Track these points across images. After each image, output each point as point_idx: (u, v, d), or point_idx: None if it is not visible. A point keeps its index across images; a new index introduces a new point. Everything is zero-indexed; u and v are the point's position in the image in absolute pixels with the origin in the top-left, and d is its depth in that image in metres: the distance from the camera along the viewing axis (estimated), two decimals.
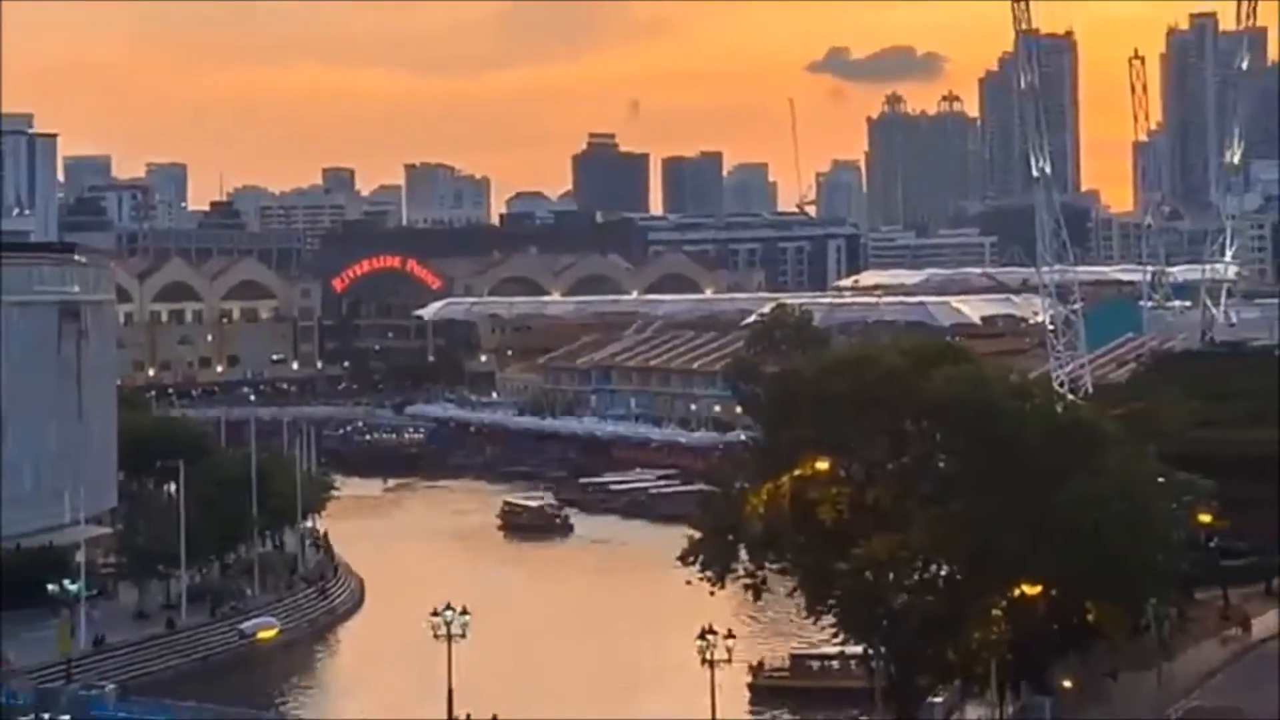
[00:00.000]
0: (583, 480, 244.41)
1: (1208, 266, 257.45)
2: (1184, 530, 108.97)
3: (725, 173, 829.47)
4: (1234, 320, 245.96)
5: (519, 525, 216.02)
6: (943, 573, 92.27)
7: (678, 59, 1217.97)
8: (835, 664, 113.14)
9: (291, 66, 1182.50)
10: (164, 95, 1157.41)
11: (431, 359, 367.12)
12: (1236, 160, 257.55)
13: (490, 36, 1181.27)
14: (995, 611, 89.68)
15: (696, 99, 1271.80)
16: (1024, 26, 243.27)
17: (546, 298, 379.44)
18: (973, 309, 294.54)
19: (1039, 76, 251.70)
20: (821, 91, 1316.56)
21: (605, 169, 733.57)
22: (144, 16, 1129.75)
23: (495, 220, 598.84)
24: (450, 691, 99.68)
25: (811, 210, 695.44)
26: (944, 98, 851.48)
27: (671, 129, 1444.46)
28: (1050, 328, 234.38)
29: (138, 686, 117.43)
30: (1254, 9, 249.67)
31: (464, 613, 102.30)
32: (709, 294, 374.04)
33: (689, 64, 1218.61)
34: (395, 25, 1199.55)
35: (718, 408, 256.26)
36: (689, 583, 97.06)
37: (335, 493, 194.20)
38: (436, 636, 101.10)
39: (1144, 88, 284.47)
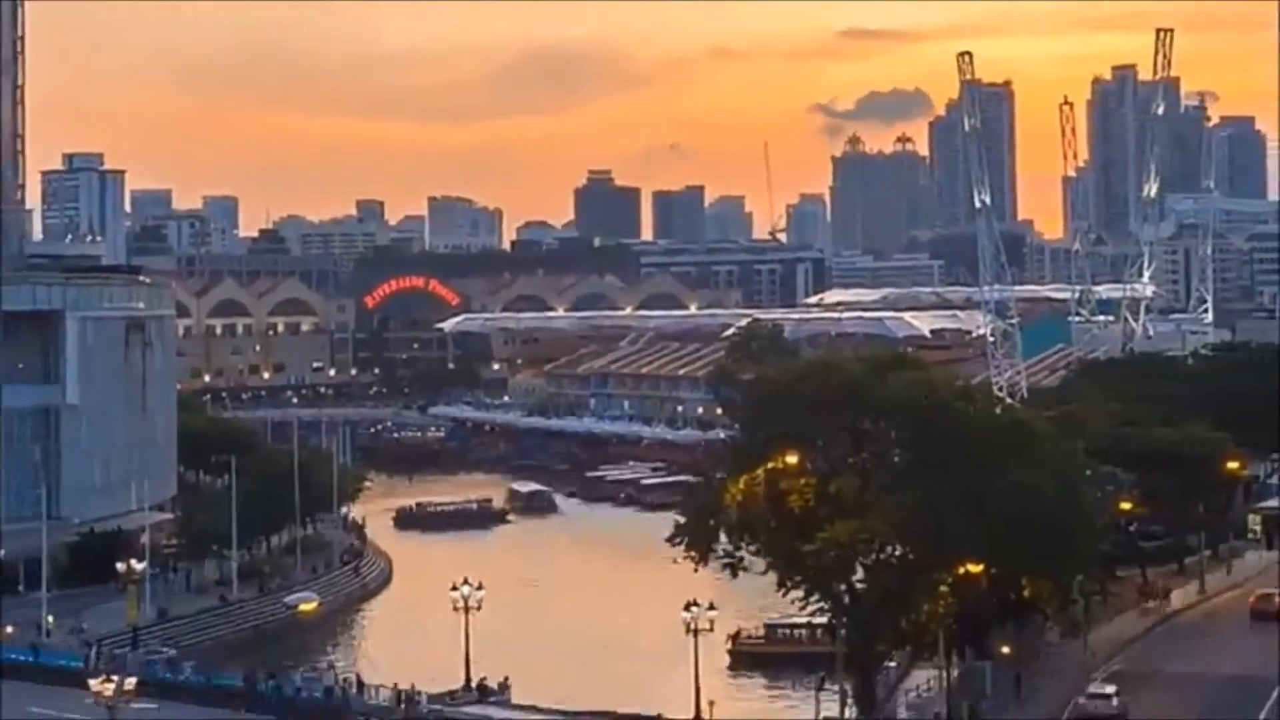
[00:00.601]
0: (585, 473, 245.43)
1: (1128, 286, 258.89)
2: (1107, 516, 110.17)
3: (707, 204, 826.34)
4: (1150, 333, 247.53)
5: (520, 507, 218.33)
6: (897, 553, 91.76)
7: (658, 107, 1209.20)
8: (804, 633, 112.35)
9: (329, 114, 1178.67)
10: (218, 137, 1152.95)
11: (451, 367, 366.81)
12: (1153, 194, 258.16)
13: (494, 90, 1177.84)
14: (942, 587, 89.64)
15: (677, 139, 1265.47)
16: (968, 77, 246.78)
17: (551, 313, 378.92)
18: (923, 323, 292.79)
19: (981, 121, 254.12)
20: (794, 133, 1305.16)
21: (602, 201, 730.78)
22: (202, 69, 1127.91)
23: (507, 246, 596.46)
24: (468, 657, 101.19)
25: (782, 237, 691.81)
26: (898, 139, 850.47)
27: (659, 166, 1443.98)
28: (991, 339, 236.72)
29: (195, 652, 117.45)
30: (1168, 62, 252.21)
31: (479, 587, 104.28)
32: (693, 310, 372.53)
33: (668, 111, 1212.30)
34: (415, 80, 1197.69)
35: (701, 409, 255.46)
36: (675, 561, 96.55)
37: (367, 484, 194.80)
38: (456, 609, 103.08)
39: (1072, 130, 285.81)
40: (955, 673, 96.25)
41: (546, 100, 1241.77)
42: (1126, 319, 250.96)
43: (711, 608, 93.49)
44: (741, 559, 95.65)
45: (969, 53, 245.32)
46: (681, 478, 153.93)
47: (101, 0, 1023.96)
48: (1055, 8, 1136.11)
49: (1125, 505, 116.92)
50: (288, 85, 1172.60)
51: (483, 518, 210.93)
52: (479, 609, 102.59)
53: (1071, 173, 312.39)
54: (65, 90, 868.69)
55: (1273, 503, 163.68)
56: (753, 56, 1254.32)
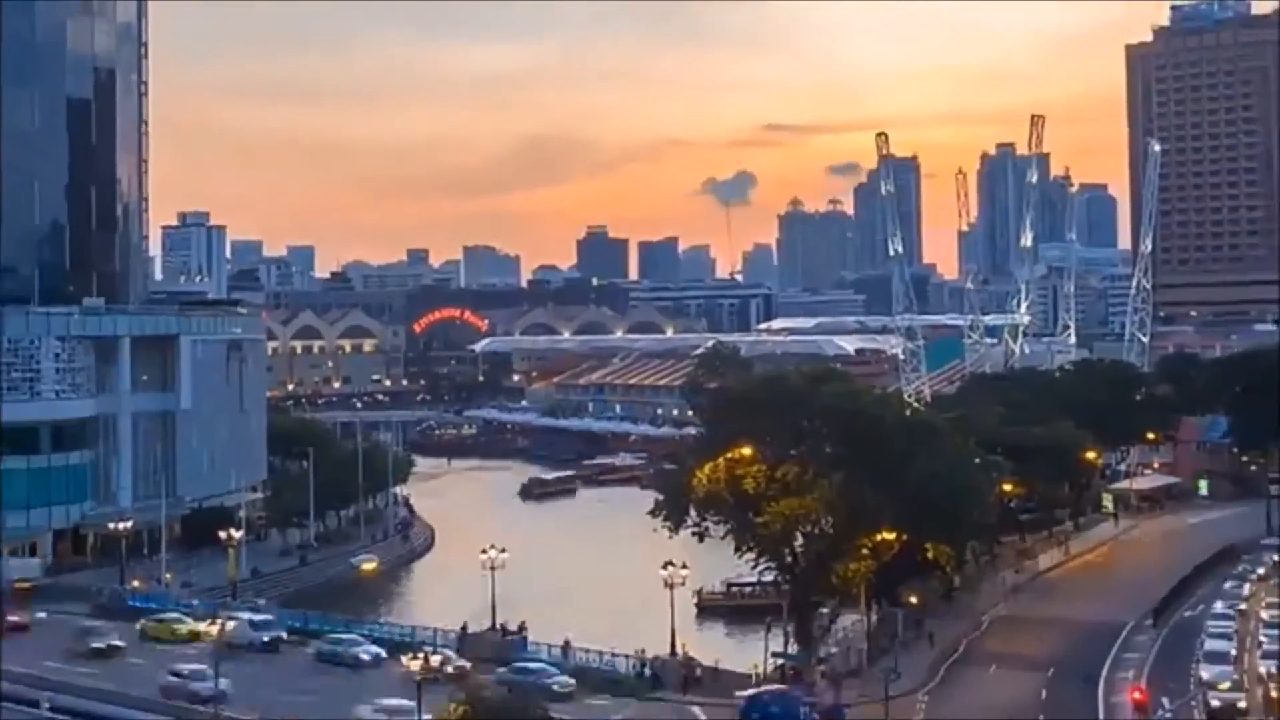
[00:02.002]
0: (584, 462, 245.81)
1: (1008, 316, 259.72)
2: (992, 495, 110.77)
3: (680, 251, 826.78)
4: (1026, 352, 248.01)
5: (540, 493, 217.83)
6: (828, 524, 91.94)
7: (630, 181, 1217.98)
8: (756, 589, 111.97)
9: (382, 184, 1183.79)
10: (300, 201, 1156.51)
11: (480, 378, 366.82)
12: (1028, 244, 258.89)
13: (502, 168, 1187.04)
14: (863, 551, 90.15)
15: (656, 204, 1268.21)
16: (883, 153, 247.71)
17: (558, 337, 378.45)
18: (849, 344, 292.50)
19: (894, 186, 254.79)
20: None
21: (599, 249, 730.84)
22: (283, 152, 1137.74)
23: (524, 284, 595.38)
24: (494, 606, 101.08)
25: (739, 277, 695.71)
26: (830, 201, 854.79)
27: (643, 221, 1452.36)
28: (901, 357, 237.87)
29: (282, 601, 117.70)
30: (1039, 141, 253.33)
31: (502, 551, 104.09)
32: (669, 334, 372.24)
33: (639, 184, 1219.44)
34: (443, 161, 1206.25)
35: (676, 412, 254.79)
36: (655, 530, 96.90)
37: (414, 470, 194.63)
38: (484, 569, 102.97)
39: (965, 194, 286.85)
40: (874, 618, 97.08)
41: (541, 176, 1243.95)
42: (1007, 341, 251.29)
43: (684, 567, 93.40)
44: (706, 529, 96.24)
45: (885, 134, 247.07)
46: (660, 465, 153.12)
47: (216, 96, 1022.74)
48: (948, 104, 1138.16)
49: (1006, 486, 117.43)
50: (350, 164, 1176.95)
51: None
52: (503, 567, 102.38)
53: (965, 227, 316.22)
54: (181, 162, 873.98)
55: (1121, 484, 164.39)
56: (698, 144, 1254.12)
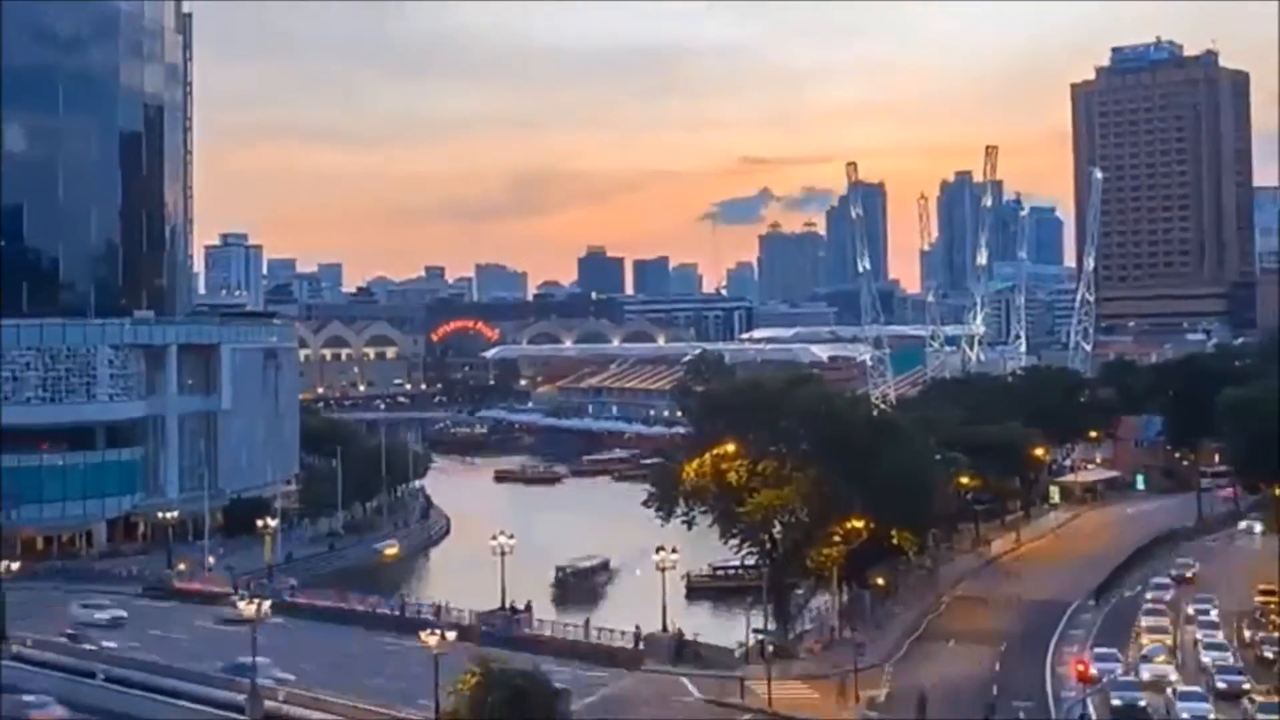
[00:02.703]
0: (585, 457, 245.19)
1: (966, 326, 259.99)
2: (951, 487, 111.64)
3: (670, 269, 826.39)
4: (981, 359, 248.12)
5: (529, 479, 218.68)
6: (803, 514, 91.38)
7: (630, 208, 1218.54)
8: (739, 571, 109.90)
9: (402, 211, 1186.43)
10: (332, 227, 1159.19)
11: (491, 382, 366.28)
12: (983, 261, 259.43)
13: (505, 196, 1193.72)
14: (835, 537, 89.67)
15: (646, 227, 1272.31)
16: (853, 180, 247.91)
17: (561, 345, 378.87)
18: (822, 352, 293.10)
19: (863, 210, 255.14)
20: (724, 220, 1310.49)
21: (598, 266, 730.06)
22: (314, 188, 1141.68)
23: (530, 298, 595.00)
24: (503, 587, 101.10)
25: (724, 291, 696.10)
26: (805, 224, 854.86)
27: (636, 242, 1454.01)
28: (869, 364, 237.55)
29: (313, 582, 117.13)
30: (993, 169, 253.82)
31: (510, 537, 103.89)
32: (661, 343, 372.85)
33: (631, 210, 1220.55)
34: (453, 192, 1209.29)
35: (666, 412, 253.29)
36: (648, 518, 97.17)
37: (432, 465, 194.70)
38: (494, 554, 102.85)
39: (926, 216, 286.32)
40: (844, 598, 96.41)
41: (543, 204, 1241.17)
42: (964, 349, 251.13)
43: (674, 551, 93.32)
44: (694, 517, 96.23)
45: (854, 163, 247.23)
46: (652, 460, 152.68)
47: (255, 133, 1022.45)
48: (912, 137, 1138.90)
49: (963, 479, 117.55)
50: (372, 193, 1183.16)
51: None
52: (511, 553, 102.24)
53: (926, 246, 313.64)
54: (223, 189, 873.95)
55: (1066, 478, 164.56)
56: (681, 175, 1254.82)
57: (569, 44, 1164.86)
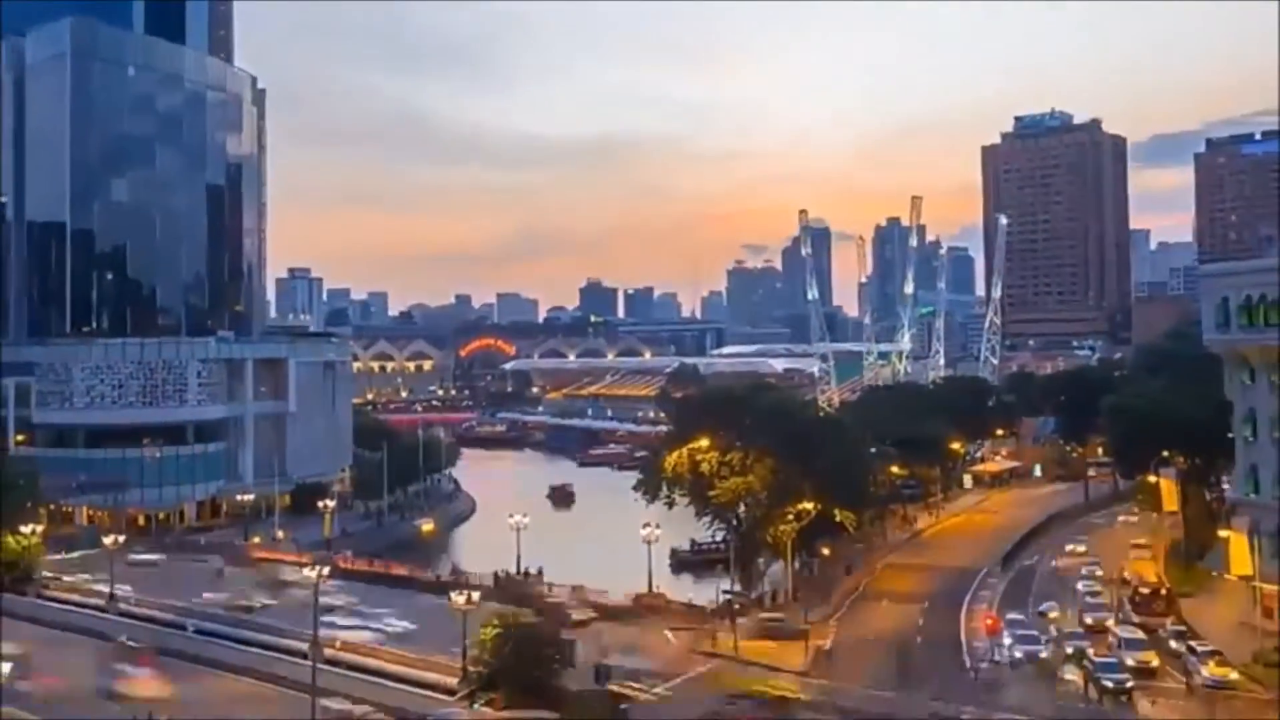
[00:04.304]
0: (590, 450, 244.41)
1: (895, 344, 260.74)
2: (884, 474, 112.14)
3: (655, 296, 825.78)
4: (908, 370, 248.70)
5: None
6: (763, 497, 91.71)
7: (619, 250, 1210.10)
8: (712, 545, 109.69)
9: (437, 251, 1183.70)
10: (376, 258, 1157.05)
11: (509, 390, 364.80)
12: (910, 291, 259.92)
13: (513, 244, 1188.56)
14: (789, 516, 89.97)
15: (636, 263, 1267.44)
16: (805, 224, 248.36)
17: (566, 359, 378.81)
18: (779, 365, 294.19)
19: (811, 249, 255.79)
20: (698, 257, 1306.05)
21: (596, 294, 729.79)
22: (363, 223, 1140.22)
23: (541, 321, 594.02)
24: (519, 556, 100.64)
25: (699, 315, 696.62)
26: (764, 260, 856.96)
27: (627, 273, 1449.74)
28: (817, 374, 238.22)
29: (364, 553, 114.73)
30: (918, 215, 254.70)
31: (524, 515, 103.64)
32: (647, 357, 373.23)
33: (626, 251, 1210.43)
34: (471, 239, 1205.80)
35: (651, 414, 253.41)
36: (636, 500, 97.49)
37: (461, 456, 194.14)
38: (511, 529, 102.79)
39: (863, 254, 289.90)
40: (797, 565, 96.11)
41: (547, 248, 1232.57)
42: (894, 362, 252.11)
43: (657, 527, 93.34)
44: (674, 500, 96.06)
45: (805, 210, 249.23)
46: (641, 453, 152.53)
47: (320, 191, 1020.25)
48: (852, 187, 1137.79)
49: (894, 468, 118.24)
50: (410, 240, 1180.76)
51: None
52: (526, 528, 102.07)
53: (863, 279, 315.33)
54: (290, 230, 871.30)
55: (978, 468, 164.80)
56: (653, 225, 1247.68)
57: (554, 133, 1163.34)
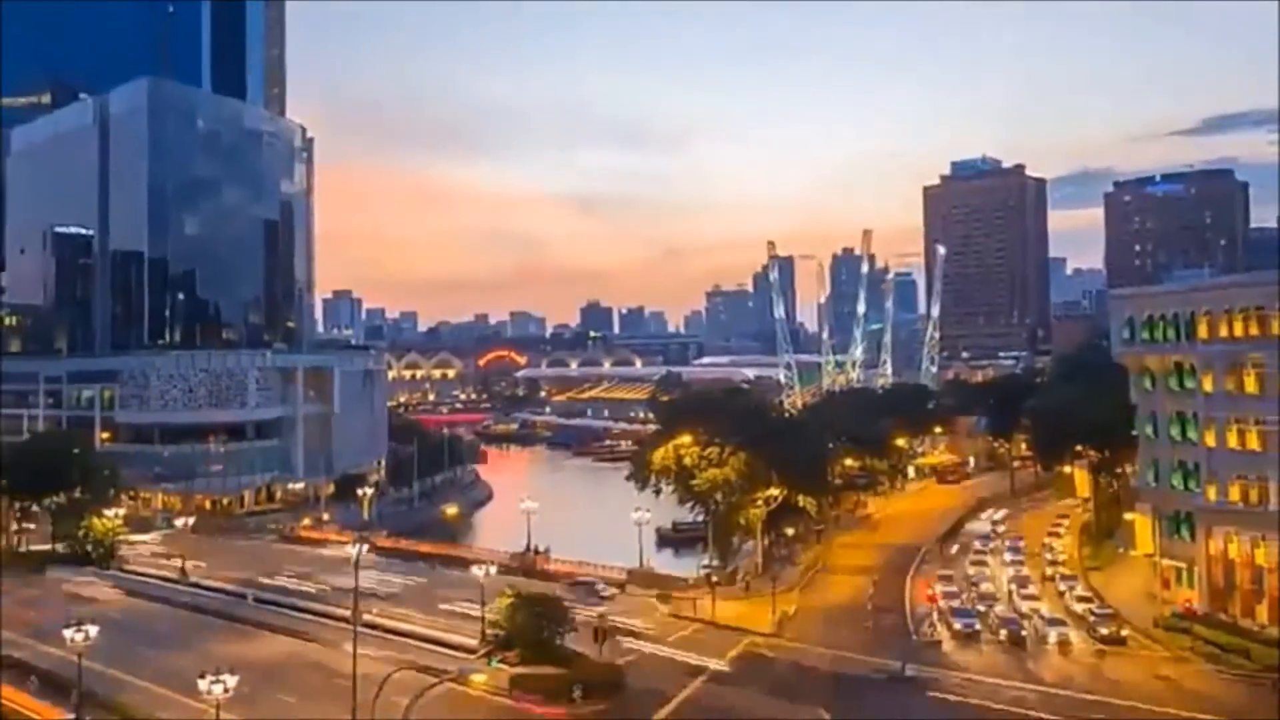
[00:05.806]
0: (593, 443, 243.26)
1: (850, 355, 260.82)
2: (840, 465, 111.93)
3: (645, 315, 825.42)
4: (861, 378, 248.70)
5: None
6: (737, 485, 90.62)
7: (610, 279, 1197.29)
8: (694, 527, 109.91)
9: (459, 280, 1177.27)
10: (409, 282, 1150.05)
11: (521, 394, 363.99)
12: (862, 310, 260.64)
13: (519, 278, 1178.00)
14: (759, 502, 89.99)
15: (630, 288, 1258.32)
16: (772, 254, 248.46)
17: (569, 369, 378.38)
18: (751, 373, 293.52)
19: (778, 274, 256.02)
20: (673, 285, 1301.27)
21: (595, 313, 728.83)
22: (397, 253, 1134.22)
23: (548, 335, 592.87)
24: (529, 535, 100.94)
25: (683, 330, 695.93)
26: (737, 284, 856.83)
27: (622, 295, 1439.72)
28: (783, 381, 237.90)
29: (398, 533, 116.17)
30: (869, 245, 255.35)
31: (534, 500, 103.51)
32: (638, 367, 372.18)
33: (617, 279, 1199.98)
34: (484, 274, 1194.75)
35: (642, 414, 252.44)
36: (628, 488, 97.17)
37: (480, 450, 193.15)
38: (522, 513, 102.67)
39: (822, 278, 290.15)
40: (766, 543, 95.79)
41: (546, 279, 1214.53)
42: (849, 371, 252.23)
43: (647, 511, 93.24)
44: (660, 488, 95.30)
45: (773, 241, 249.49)
46: (633, 447, 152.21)
47: (361, 227, 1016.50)
48: (813, 221, 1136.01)
49: (848, 461, 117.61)
50: (437, 267, 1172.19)
51: None
52: (536, 512, 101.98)
53: (822, 299, 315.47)
54: (337, 258, 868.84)
55: (920, 460, 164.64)
56: (639, 260, 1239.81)
57: (549, 189, 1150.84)
